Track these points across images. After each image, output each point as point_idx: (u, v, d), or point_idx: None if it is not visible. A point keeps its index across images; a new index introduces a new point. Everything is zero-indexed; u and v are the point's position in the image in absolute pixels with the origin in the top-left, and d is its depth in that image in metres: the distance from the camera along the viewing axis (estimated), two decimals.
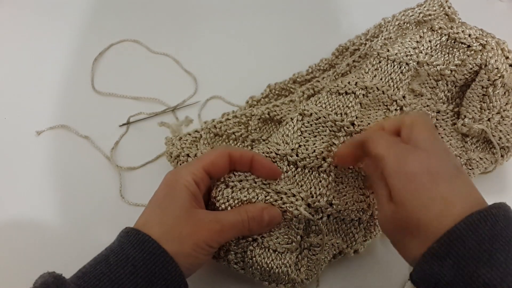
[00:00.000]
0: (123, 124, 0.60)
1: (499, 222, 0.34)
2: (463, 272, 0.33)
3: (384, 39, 0.59)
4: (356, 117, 0.50)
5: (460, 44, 0.52)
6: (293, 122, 0.51)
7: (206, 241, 0.41)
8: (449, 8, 0.59)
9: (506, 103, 0.52)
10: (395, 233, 0.40)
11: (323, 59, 0.63)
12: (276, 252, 0.46)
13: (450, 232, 0.34)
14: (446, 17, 0.59)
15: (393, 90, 0.52)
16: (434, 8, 0.59)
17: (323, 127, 0.50)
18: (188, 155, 0.52)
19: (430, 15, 0.58)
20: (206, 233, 0.41)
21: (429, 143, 0.39)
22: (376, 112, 0.52)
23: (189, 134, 0.54)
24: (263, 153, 0.49)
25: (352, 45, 0.62)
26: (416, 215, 0.36)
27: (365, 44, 0.61)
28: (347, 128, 0.49)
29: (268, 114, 0.55)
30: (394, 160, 0.38)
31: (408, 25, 0.59)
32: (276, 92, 0.62)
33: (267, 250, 0.46)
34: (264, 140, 0.54)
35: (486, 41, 0.51)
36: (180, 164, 0.52)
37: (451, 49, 0.53)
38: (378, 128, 0.46)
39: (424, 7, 0.59)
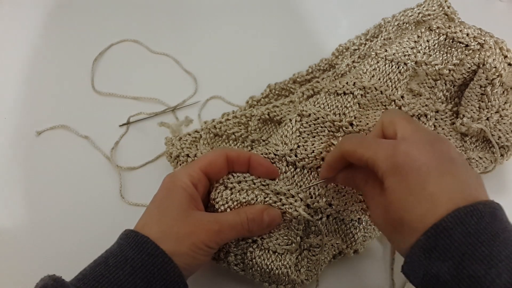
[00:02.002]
0: (123, 124, 0.60)
1: (485, 218, 0.34)
2: (449, 264, 0.34)
3: (384, 39, 0.59)
4: (355, 117, 0.50)
5: (458, 43, 0.52)
6: (291, 123, 0.51)
7: (204, 241, 0.41)
8: (448, 8, 0.59)
9: (505, 102, 0.52)
10: (386, 228, 0.41)
11: (323, 59, 0.63)
12: (276, 253, 0.46)
13: (437, 225, 0.35)
14: (446, 17, 0.59)
15: (392, 90, 0.52)
16: (433, 8, 0.59)
17: (321, 127, 0.50)
18: (188, 155, 0.52)
19: (429, 15, 0.58)
20: (204, 233, 0.41)
21: (416, 135, 0.40)
22: (375, 112, 0.52)
23: (189, 134, 0.54)
24: (262, 154, 0.49)
25: (352, 45, 0.62)
26: (401, 215, 0.37)
27: (365, 44, 0.61)
28: (346, 128, 0.49)
29: (268, 114, 0.55)
30: (387, 162, 0.38)
31: (408, 25, 0.59)
32: (276, 92, 0.62)
33: (267, 251, 0.46)
34: (264, 141, 0.54)
35: (484, 40, 0.51)
36: (180, 164, 0.52)
37: (449, 48, 0.53)
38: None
39: (424, 7, 0.59)
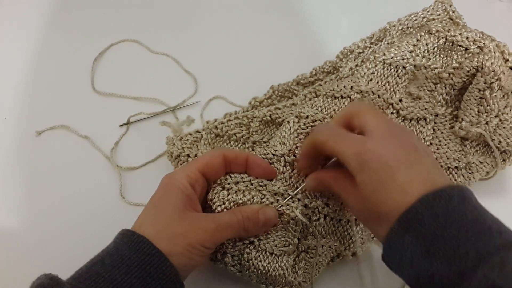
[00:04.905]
0: (123, 124, 0.60)
1: (453, 200, 0.36)
2: (421, 246, 0.35)
3: (387, 43, 0.58)
4: None
5: (458, 47, 0.52)
6: (289, 124, 0.50)
7: (200, 241, 0.41)
8: (453, 12, 0.58)
9: (505, 106, 0.52)
10: (366, 220, 0.43)
11: (327, 61, 0.63)
12: (273, 255, 0.46)
13: (408, 211, 0.36)
14: (451, 21, 0.58)
15: (389, 94, 0.52)
16: (438, 12, 0.58)
17: None
18: (188, 155, 0.52)
19: (434, 19, 0.58)
20: (200, 232, 0.41)
21: (382, 129, 0.41)
22: None
23: (190, 134, 0.54)
24: (260, 154, 0.49)
25: (356, 48, 0.62)
26: (377, 208, 0.39)
27: (370, 47, 0.61)
28: None
29: (270, 116, 0.55)
30: (355, 159, 0.40)
31: (412, 29, 0.59)
32: (279, 93, 0.61)
33: (263, 252, 0.46)
34: (265, 142, 0.54)
35: (483, 43, 0.51)
36: (181, 164, 0.52)
37: (449, 51, 0.53)
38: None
39: (428, 11, 0.59)
